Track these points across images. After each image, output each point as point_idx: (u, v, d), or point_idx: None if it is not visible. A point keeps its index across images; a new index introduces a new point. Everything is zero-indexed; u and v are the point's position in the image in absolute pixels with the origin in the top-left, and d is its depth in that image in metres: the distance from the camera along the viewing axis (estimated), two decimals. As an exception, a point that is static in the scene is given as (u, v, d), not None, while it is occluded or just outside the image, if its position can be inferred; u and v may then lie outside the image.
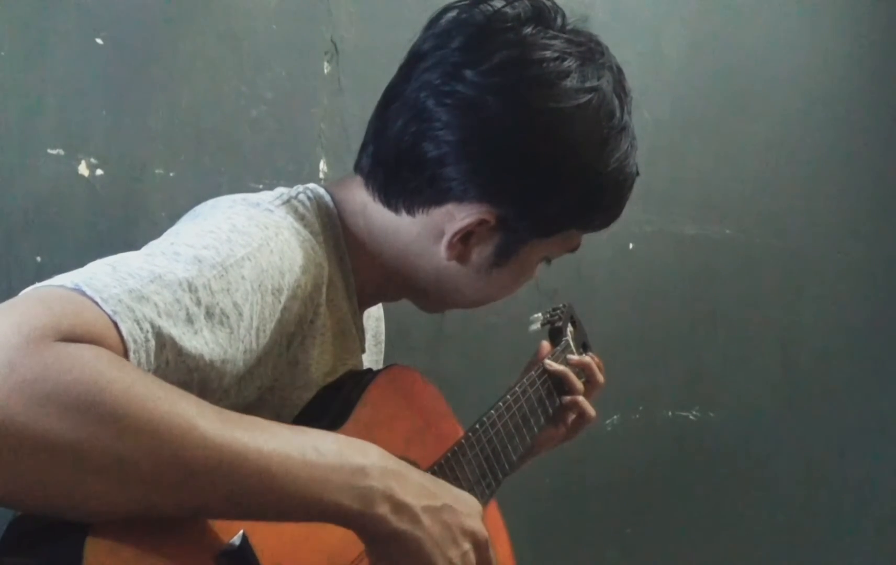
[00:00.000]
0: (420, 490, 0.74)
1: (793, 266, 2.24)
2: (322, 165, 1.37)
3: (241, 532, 0.69)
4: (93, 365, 0.58)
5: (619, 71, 0.93)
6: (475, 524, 0.79)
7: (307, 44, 1.36)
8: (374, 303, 1.03)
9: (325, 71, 1.38)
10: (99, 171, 1.15)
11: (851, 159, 2.36)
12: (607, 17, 1.76)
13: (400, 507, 0.72)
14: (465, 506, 0.79)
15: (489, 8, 0.90)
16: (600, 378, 1.23)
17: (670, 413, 2.01)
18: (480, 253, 0.93)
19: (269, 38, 1.31)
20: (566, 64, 0.88)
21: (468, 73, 0.87)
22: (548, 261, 1.00)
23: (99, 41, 1.14)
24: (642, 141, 0.98)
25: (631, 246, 1.88)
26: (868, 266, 2.43)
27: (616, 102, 0.91)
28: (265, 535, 0.70)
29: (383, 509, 0.70)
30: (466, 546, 0.78)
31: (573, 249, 1.00)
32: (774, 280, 2.20)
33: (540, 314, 1.25)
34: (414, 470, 0.76)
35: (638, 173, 0.96)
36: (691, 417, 2.04)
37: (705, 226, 2.03)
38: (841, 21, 2.32)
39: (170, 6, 1.21)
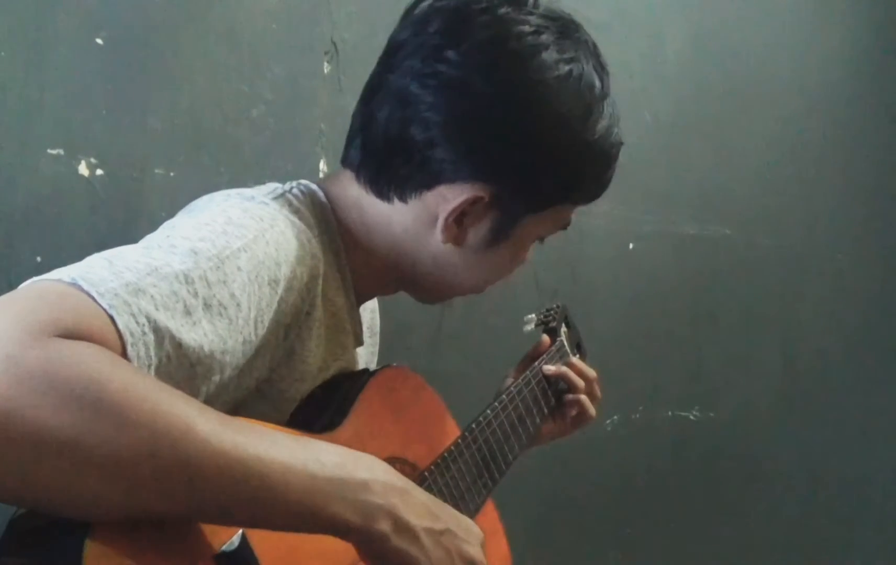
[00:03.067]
0: (423, 510, 0.74)
1: (793, 266, 2.24)
2: (322, 165, 1.37)
3: (241, 531, 0.69)
4: (92, 361, 0.58)
5: (595, 46, 0.95)
6: (475, 552, 0.79)
7: (307, 44, 1.36)
8: (371, 297, 1.04)
9: (325, 71, 1.38)
10: (99, 171, 1.15)
11: (851, 159, 2.36)
12: (607, 17, 1.76)
13: (401, 526, 0.71)
14: (467, 532, 0.79)
15: None
16: (598, 392, 1.24)
17: (670, 413, 2.01)
18: (476, 233, 0.93)
19: (269, 38, 1.31)
20: (543, 38, 0.89)
21: (449, 54, 0.88)
22: (541, 239, 1.01)
23: (99, 41, 1.14)
24: (642, 141, 0.98)
25: (631, 246, 1.88)
26: (868, 266, 2.43)
27: (595, 74, 0.92)
28: (264, 536, 0.69)
29: (384, 526, 0.70)
30: None
31: (565, 226, 1.01)
32: (774, 280, 2.20)
33: (534, 315, 1.25)
34: (418, 489, 0.76)
35: (622, 142, 0.97)
36: (691, 417, 2.04)
37: (705, 226, 2.03)
38: (841, 21, 2.32)
39: (170, 6, 1.21)
